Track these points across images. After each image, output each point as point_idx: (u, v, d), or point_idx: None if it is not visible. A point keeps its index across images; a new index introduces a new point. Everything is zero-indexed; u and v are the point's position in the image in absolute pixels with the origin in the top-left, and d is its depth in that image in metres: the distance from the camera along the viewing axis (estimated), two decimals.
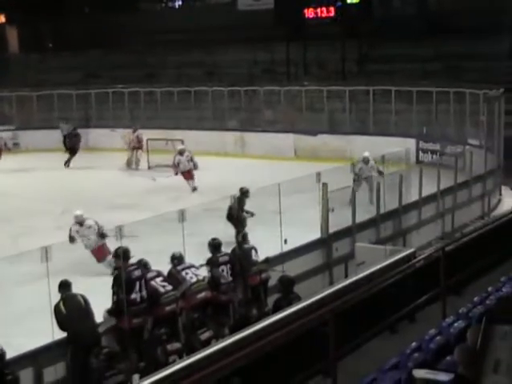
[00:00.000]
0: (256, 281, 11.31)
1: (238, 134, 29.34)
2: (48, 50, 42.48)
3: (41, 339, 9.22)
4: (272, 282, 11.30)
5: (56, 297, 9.22)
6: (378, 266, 10.83)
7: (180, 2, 43.52)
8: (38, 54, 39.88)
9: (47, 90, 34.14)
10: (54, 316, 9.29)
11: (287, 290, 10.55)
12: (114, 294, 9.85)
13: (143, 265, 10.33)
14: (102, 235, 13.96)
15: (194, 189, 22.26)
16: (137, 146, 26.89)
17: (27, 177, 25.77)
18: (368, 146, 23.93)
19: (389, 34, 30.22)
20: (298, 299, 10.43)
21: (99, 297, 9.85)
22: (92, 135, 31.63)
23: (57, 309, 9.31)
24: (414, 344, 6.51)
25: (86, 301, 9.54)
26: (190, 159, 22.67)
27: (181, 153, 22.82)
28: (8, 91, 34.37)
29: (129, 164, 26.87)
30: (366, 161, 18.25)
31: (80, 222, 14.40)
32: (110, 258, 14.06)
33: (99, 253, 14.64)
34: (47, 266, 8.45)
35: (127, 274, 9.74)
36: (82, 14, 42.68)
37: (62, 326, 9.28)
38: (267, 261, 11.85)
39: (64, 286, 9.59)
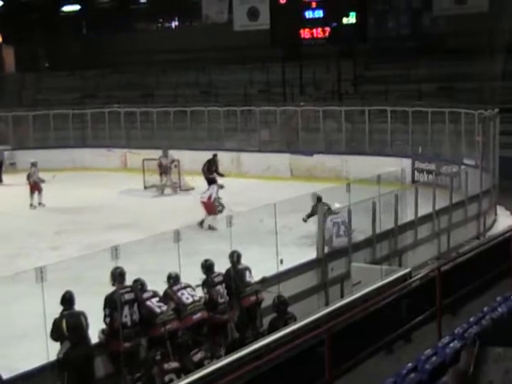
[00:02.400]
0: (250, 302, 11.27)
1: (234, 154, 29.38)
2: (44, 69, 42.63)
3: (35, 360, 9.18)
4: (267, 303, 11.28)
5: (50, 317, 9.16)
6: (374, 286, 10.85)
7: (176, 23, 43.70)
8: (35, 74, 40.03)
9: (43, 109, 34.22)
10: (51, 328, 9.25)
11: (282, 310, 10.56)
12: (105, 316, 9.82)
13: (140, 284, 10.30)
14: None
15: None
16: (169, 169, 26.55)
17: (24, 196, 25.71)
18: (364, 166, 24.09)
19: (384, 54, 30.43)
20: (294, 319, 10.43)
21: (94, 317, 9.81)
22: (88, 155, 31.66)
23: (57, 324, 9.29)
24: (409, 364, 6.50)
25: (86, 322, 9.51)
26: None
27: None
28: (4, 111, 34.42)
29: (162, 188, 26.34)
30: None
31: None
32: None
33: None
34: (42, 286, 8.42)
35: (118, 297, 9.71)
36: (78, 34, 42.88)
37: (56, 340, 9.28)
38: (264, 280, 11.84)
39: (67, 302, 9.55)
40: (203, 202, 20.45)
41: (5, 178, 30.38)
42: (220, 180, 22.79)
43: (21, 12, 39.76)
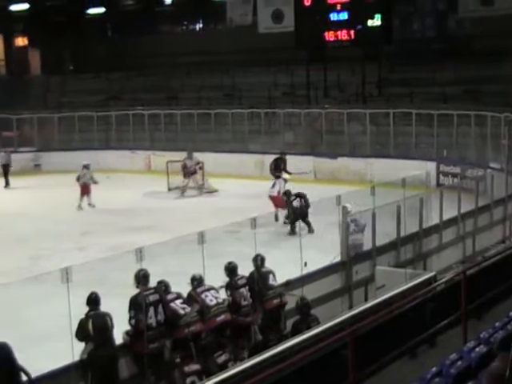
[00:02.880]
0: (273, 305, 11.27)
1: (258, 156, 29.38)
2: (69, 72, 42.85)
3: (60, 360, 9.22)
4: (291, 306, 11.26)
5: (75, 318, 9.19)
6: (399, 290, 10.80)
7: (201, 25, 43.77)
8: (60, 77, 40.23)
9: (68, 112, 34.44)
10: (77, 329, 9.30)
11: (305, 312, 10.53)
12: (130, 317, 9.85)
13: (164, 286, 10.33)
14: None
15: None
16: (194, 171, 26.64)
17: (48, 198, 25.88)
18: (388, 169, 23.99)
19: (409, 57, 30.27)
20: (317, 321, 10.41)
21: (118, 318, 9.84)
22: (112, 157, 31.82)
23: (83, 325, 9.35)
24: (434, 369, 6.45)
25: (111, 323, 9.55)
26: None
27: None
28: (29, 113, 34.68)
29: (184, 189, 26.36)
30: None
31: None
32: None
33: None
34: (68, 287, 8.45)
35: (142, 299, 9.73)
36: (103, 37, 43.07)
37: (82, 340, 9.33)
38: (288, 283, 11.82)
39: (93, 302, 9.60)
40: (272, 197, 20.99)
41: (30, 179, 30.55)
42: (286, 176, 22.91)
43: (46, 15, 39.99)
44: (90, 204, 24.10)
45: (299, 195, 19.60)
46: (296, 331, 10.12)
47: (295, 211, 19.11)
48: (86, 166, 24.67)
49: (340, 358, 7.94)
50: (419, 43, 31.25)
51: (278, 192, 21.13)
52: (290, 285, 11.86)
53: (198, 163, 26.50)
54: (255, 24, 34.88)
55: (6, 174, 29.69)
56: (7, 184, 29.47)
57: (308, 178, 27.36)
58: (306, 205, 19.29)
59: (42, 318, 11.57)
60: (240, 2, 35.71)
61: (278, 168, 23.63)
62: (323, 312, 11.12)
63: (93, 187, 24.34)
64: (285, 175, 22.93)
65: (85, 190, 24.14)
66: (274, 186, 21.55)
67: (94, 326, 9.36)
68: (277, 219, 19.89)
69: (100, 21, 42.83)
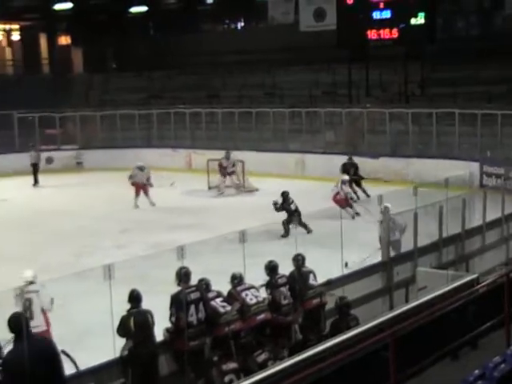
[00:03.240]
0: (312, 305, 11.24)
1: (299, 155, 29.33)
2: (111, 70, 43.17)
3: (101, 356, 9.28)
4: (330, 306, 11.23)
5: (116, 315, 9.25)
6: (440, 291, 10.68)
7: (242, 24, 43.83)
8: (102, 75, 40.53)
9: (110, 110, 34.70)
10: (118, 325, 9.37)
11: (345, 312, 10.47)
12: (171, 315, 9.88)
13: (205, 284, 10.35)
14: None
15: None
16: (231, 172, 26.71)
17: (90, 196, 26.11)
18: (430, 169, 23.80)
19: (452, 55, 29.94)
20: (356, 321, 10.36)
21: (158, 315, 9.88)
22: (153, 155, 31.99)
23: (125, 322, 9.39)
24: (477, 371, 6.38)
25: (152, 320, 9.59)
26: None
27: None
28: (72, 111, 35.02)
29: (220, 188, 26.45)
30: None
31: None
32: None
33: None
34: (110, 283, 8.51)
35: (184, 297, 9.75)
36: (145, 36, 43.33)
37: (123, 337, 9.39)
38: (329, 283, 11.79)
39: (135, 300, 9.62)
40: (333, 199, 21.00)
41: (72, 176, 30.85)
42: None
43: (90, 14, 40.35)
44: (151, 203, 24.01)
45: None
46: (335, 331, 10.07)
47: (292, 213, 19.18)
48: (139, 168, 24.46)
49: (380, 359, 7.88)
50: (463, 42, 30.87)
51: (338, 193, 21.24)
52: (330, 284, 11.82)
53: (234, 164, 26.43)
54: (297, 22, 34.84)
55: (35, 173, 29.81)
56: (36, 182, 29.66)
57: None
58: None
59: (84, 314, 11.67)
60: (282, 1, 35.68)
61: (346, 172, 23.57)
62: (363, 312, 11.05)
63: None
64: (344, 176, 22.74)
65: (137, 190, 24.05)
66: (334, 188, 21.61)
67: (135, 323, 9.38)
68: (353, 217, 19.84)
69: (142, 19, 43.12)
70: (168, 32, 41.23)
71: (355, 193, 23.32)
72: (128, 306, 9.63)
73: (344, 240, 12.50)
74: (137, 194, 24.01)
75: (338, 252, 12.35)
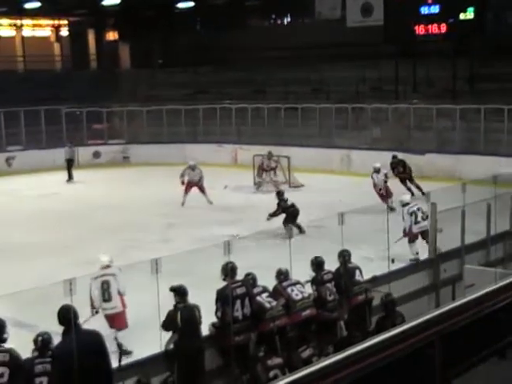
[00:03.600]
0: (358, 301, 11.21)
1: (345, 151, 29.23)
2: (158, 66, 43.42)
3: (147, 349, 9.36)
4: (376, 302, 11.19)
5: (162, 308, 9.31)
6: (488, 289, 10.56)
7: (289, 19, 43.75)
8: (149, 70, 40.79)
9: (156, 105, 34.92)
10: (164, 319, 9.45)
11: (390, 309, 10.42)
12: (217, 309, 9.92)
13: (251, 279, 10.38)
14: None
15: None
16: (271, 167, 26.75)
17: (136, 190, 26.31)
18: (478, 166, 23.53)
19: (501, 51, 29.55)
20: (402, 319, 10.29)
21: (204, 310, 9.92)
22: (199, 150, 32.13)
23: (172, 317, 9.46)
24: None
25: (200, 315, 9.65)
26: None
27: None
28: (119, 106, 35.34)
29: (259, 185, 26.56)
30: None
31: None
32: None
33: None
34: (157, 277, 8.58)
35: (230, 292, 9.78)
36: (192, 31, 43.47)
37: (168, 330, 9.50)
38: (374, 279, 11.74)
39: (181, 294, 9.68)
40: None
41: (119, 171, 31.13)
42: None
43: (137, 10, 40.63)
44: (209, 201, 23.63)
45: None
46: (380, 328, 10.02)
47: (286, 211, 18.88)
48: (191, 167, 24.05)
49: (426, 357, 7.81)
50: None
51: (379, 188, 21.44)
52: (375, 281, 11.77)
53: (277, 161, 26.31)
54: (343, 18, 34.65)
55: (69, 168, 29.80)
56: (70, 178, 29.71)
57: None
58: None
59: (130, 308, 11.74)
60: None
61: (393, 171, 23.69)
62: (409, 310, 10.98)
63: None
64: (375, 164, 22.55)
65: (187, 189, 23.75)
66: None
67: (182, 318, 9.44)
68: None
69: (189, 15, 43.26)
70: (214, 27, 41.31)
71: (409, 189, 22.76)
72: (173, 300, 9.68)
73: (391, 236, 12.45)
74: (186, 191, 23.78)
75: (385, 248, 12.29)
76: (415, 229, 15.60)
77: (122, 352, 9.31)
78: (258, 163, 26.55)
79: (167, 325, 9.49)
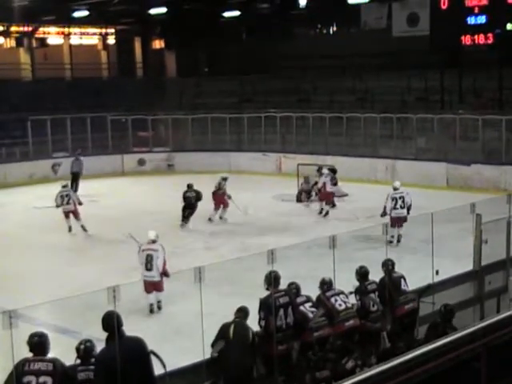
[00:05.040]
0: (404, 311, 11.11)
1: (389, 161, 29.08)
2: (204, 74, 43.62)
3: (190, 357, 9.38)
4: (423, 313, 11.10)
5: (206, 317, 9.32)
6: None
7: (334, 28, 43.70)
8: (194, 79, 40.99)
9: (202, 113, 35.08)
10: (217, 332, 9.40)
11: (448, 319, 10.21)
12: (260, 319, 9.91)
13: (295, 288, 10.36)
14: None
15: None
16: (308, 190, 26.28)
17: (180, 197, 26.41)
18: None
19: None
20: (454, 331, 10.16)
21: (248, 319, 9.92)
22: (243, 158, 32.21)
23: (225, 329, 9.36)
24: None
25: (253, 338, 9.50)
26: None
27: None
28: (164, 114, 35.58)
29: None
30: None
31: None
32: None
33: None
34: (200, 286, 8.58)
35: (273, 301, 9.77)
36: (238, 40, 43.62)
37: (216, 340, 9.42)
38: (429, 287, 11.64)
39: (242, 312, 9.62)
40: None
41: (163, 178, 31.30)
42: None
43: (183, 18, 40.86)
44: (221, 217, 22.99)
45: None
46: (430, 335, 9.89)
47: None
48: (224, 179, 23.50)
49: (472, 369, 7.74)
50: None
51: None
52: (429, 290, 11.65)
53: (314, 185, 25.59)
54: (389, 27, 34.52)
55: (74, 180, 28.11)
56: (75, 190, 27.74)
57: (440, 185, 26.96)
58: None
59: (174, 315, 11.82)
60: (375, 6, 35.42)
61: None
62: (454, 321, 10.88)
63: (228, 188, 23.38)
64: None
65: (218, 204, 23.03)
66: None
67: (234, 333, 9.33)
68: None
69: (235, 24, 43.42)
70: (260, 36, 41.42)
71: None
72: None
73: (436, 247, 12.35)
74: (216, 207, 23.02)
75: (430, 259, 12.20)
76: (393, 214, 18.86)
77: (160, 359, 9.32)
78: (299, 190, 26.07)
79: (218, 336, 9.40)
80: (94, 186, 28.82)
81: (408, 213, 19.08)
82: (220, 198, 22.99)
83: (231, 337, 9.27)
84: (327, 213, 23.02)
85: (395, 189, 19.59)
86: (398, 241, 18.68)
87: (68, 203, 21.92)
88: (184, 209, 22.25)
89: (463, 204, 15.18)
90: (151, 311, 14.10)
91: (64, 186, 22.68)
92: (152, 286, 14.17)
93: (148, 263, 14.17)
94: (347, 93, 34.76)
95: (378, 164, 29.38)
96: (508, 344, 8.34)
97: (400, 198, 19.14)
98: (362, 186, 26.79)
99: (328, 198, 23.46)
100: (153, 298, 14.22)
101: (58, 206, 21.89)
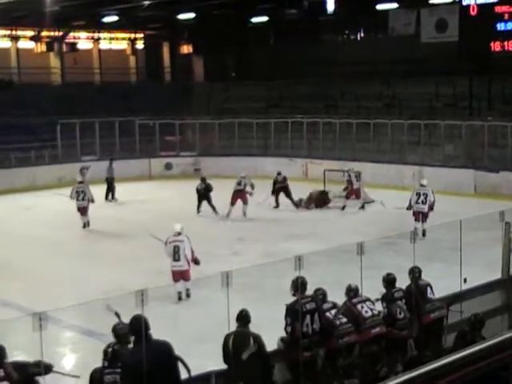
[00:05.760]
0: (430, 319, 11.03)
1: (417, 167, 28.96)
2: (231, 79, 43.72)
3: (217, 362, 9.38)
4: (451, 321, 11.03)
5: (234, 323, 9.32)
6: None
7: (362, 34, 43.63)
8: (222, 83, 41.09)
9: (229, 118, 35.16)
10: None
11: (477, 328, 10.11)
12: (286, 324, 9.88)
13: (321, 294, 10.33)
14: None
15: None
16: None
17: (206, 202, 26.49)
18: None
19: None
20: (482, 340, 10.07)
21: (273, 324, 9.91)
22: (269, 163, 32.23)
23: (225, 341, 9.14)
24: None
25: (257, 342, 9.15)
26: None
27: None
28: (191, 119, 35.71)
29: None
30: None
31: None
32: None
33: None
34: (227, 291, 8.57)
35: (299, 307, 9.74)
36: (265, 45, 43.68)
37: (224, 360, 9.21)
38: (457, 297, 11.57)
39: (241, 320, 9.27)
40: None
41: (190, 183, 31.26)
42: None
43: (211, 23, 41.01)
44: (244, 214, 24.25)
45: None
46: (457, 347, 9.82)
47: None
48: (243, 177, 24.68)
49: (501, 379, 7.69)
50: None
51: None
52: (459, 299, 11.57)
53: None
54: (417, 33, 34.42)
55: (108, 186, 28.72)
56: (111, 197, 28.81)
57: (468, 192, 26.81)
58: None
59: (200, 320, 11.84)
60: (403, 12, 35.32)
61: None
62: (482, 331, 10.80)
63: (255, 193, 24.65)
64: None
65: (234, 200, 24.25)
66: None
67: (233, 344, 9.02)
68: None
69: (263, 29, 43.51)
70: (288, 42, 41.44)
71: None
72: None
73: (464, 255, 12.27)
74: (233, 203, 24.32)
75: (457, 267, 12.12)
76: (415, 207, 20.61)
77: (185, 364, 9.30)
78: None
79: (223, 351, 9.08)
80: (121, 189, 28.93)
81: (431, 209, 20.57)
82: (239, 195, 24.42)
83: (231, 349, 8.99)
84: (363, 206, 25.15)
85: (422, 185, 21.10)
86: (424, 235, 19.64)
87: (83, 199, 22.94)
88: (198, 199, 24.79)
89: (491, 212, 15.12)
90: (179, 299, 15.04)
91: (80, 182, 23.55)
92: (179, 275, 15.13)
93: (176, 254, 15.15)
94: (374, 99, 34.70)
95: (405, 170, 29.26)
96: None
97: (424, 194, 20.63)
98: (390, 192, 26.67)
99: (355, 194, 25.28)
100: (181, 287, 15.11)
101: (72, 199, 23.11)
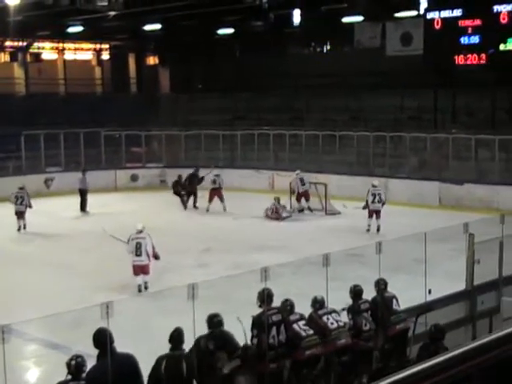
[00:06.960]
0: (396, 330, 11.08)
1: (382, 179, 29.10)
2: (197, 90, 43.67)
3: None
4: (416, 332, 11.08)
5: (198, 334, 9.28)
6: None
7: (328, 47, 43.84)
8: (188, 95, 41.03)
9: (195, 129, 35.12)
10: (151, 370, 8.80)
11: (439, 338, 10.17)
12: (252, 336, 9.87)
13: (289, 305, 10.31)
14: None
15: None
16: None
17: (173, 213, 26.44)
18: None
19: None
20: (445, 351, 10.12)
21: (241, 336, 9.88)
22: (236, 175, 32.21)
23: (157, 366, 8.70)
24: None
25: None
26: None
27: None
28: (158, 130, 35.61)
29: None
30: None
31: None
32: None
33: None
34: (193, 303, 8.53)
35: (266, 319, 9.72)
36: (231, 57, 43.72)
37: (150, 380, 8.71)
38: (428, 309, 11.61)
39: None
40: None
41: (156, 194, 31.24)
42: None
43: (177, 35, 40.97)
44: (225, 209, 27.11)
45: None
46: (422, 355, 9.87)
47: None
48: (216, 175, 27.98)
49: None
50: None
51: None
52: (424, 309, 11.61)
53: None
54: (383, 47, 34.67)
55: (82, 197, 28.46)
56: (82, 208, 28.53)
57: (433, 204, 26.99)
58: None
59: (165, 332, 11.74)
60: (369, 25, 35.55)
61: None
62: (445, 341, 10.85)
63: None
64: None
65: (211, 198, 27.33)
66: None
67: (166, 368, 8.60)
68: None
69: (229, 41, 43.53)
70: (254, 54, 41.53)
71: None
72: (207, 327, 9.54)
73: (428, 266, 12.35)
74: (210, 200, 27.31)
75: (422, 278, 12.19)
76: (371, 206, 23.04)
77: None
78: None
79: (152, 375, 8.59)
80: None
81: (383, 206, 23.18)
82: (215, 193, 27.31)
83: (163, 372, 8.58)
84: (309, 209, 26.80)
85: (374, 186, 23.61)
86: (378, 230, 22.54)
87: (21, 204, 24.35)
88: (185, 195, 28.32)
89: (456, 223, 15.23)
90: (139, 291, 16.42)
91: (21, 188, 24.80)
92: (140, 269, 16.61)
93: (138, 250, 16.56)
94: (340, 111, 34.86)
95: (371, 182, 29.33)
96: (500, 364, 8.32)
97: (378, 194, 23.28)
98: (355, 203, 26.75)
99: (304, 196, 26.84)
100: (140, 280, 16.58)
101: (11, 203, 24.49)
